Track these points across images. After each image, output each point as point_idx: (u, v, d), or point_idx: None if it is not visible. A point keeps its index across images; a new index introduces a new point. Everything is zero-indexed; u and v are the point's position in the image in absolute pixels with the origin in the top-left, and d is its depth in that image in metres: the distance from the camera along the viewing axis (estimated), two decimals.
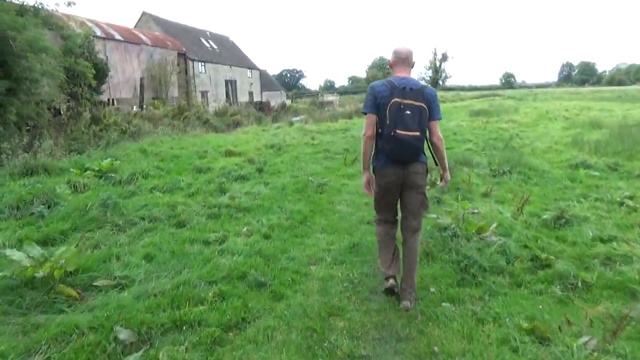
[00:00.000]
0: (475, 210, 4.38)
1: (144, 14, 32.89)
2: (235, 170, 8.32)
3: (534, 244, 4.24)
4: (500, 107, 27.09)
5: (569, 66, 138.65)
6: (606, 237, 4.45)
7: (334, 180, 7.74)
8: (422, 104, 3.03)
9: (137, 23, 32.76)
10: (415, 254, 3.26)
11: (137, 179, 7.19)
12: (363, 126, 3.22)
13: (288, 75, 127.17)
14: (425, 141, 3.19)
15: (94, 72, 18.76)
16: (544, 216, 5.21)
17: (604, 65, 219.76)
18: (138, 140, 12.39)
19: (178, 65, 31.23)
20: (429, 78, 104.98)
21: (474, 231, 4.24)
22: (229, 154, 10.28)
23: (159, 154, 9.66)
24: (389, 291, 3.27)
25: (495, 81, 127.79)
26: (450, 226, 4.36)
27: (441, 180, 3.51)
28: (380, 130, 3.11)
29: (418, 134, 3.01)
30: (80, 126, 17.91)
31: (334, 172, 8.60)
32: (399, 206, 3.37)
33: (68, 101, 18.88)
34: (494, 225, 4.47)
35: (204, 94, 34.52)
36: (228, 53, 41.81)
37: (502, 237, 4.34)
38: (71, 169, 7.45)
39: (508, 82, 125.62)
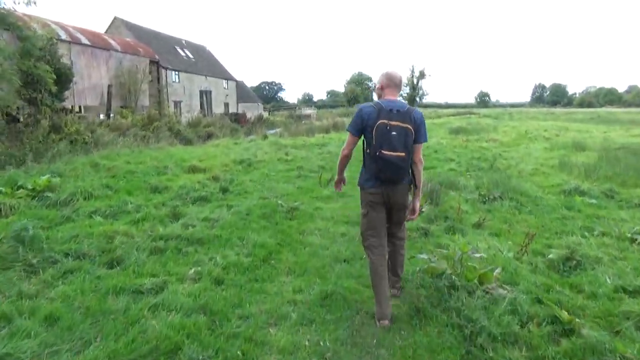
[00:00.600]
0: (477, 254, 3.56)
1: (115, 19, 31.64)
2: (196, 189, 7.36)
3: (548, 297, 3.44)
4: (478, 125, 26.85)
5: (541, 87, 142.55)
6: (630, 287, 3.69)
7: (306, 203, 6.87)
8: (409, 126, 3.10)
9: (108, 28, 31.48)
10: (403, 249, 3.59)
11: (77, 200, 6.16)
12: (345, 142, 3.35)
13: (266, 87, 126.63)
14: None
15: (55, 76, 17.52)
16: (550, 255, 4.44)
17: (574, 87, 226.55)
18: (94, 152, 11.27)
19: (150, 73, 30.02)
20: (406, 95, 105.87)
21: (475, 280, 3.41)
22: (193, 170, 9.30)
23: (112, 169, 8.60)
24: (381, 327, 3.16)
25: (471, 99, 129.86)
26: (446, 273, 3.52)
27: (412, 210, 3.48)
28: (367, 151, 3.22)
29: (403, 154, 3.08)
30: (38, 135, 16.63)
31: (307, 194, 7.73)
32: None
33: (22, 108, 17.56)
34: (498, 270, 3.66)
35: (177, 103, 33.33)
36: (204, 63, 40.76)
37: (508, 286, 3.54)
38: (0, 188, 6.35)
39: (483, 101, 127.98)
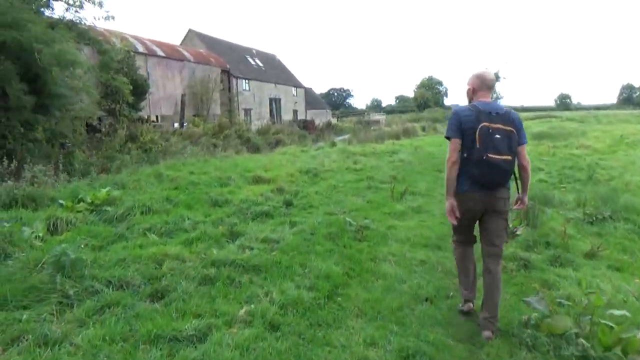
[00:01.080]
0: (617, 312, 2.60)
1: (189, 31, 32.75)
2: (258, 203, 6.85)
3: None
4: (563, 130, 24.59)
5: (629, 88, 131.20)
6: None
7: (377, 221, 6.11)
8: (511, 128, 3.02)
9: (183, 40, 32.65)
10: (498, 280, 3.16)
11: (134, 214, 5.84)
12: (448, 150, 3.14)
13: (335, 94, 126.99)
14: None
15: (131, 87, 18.11)
16: None
17: None
18: (162, 161, 11.24)
19: (221, 82, 30.67)
20: None
21: (617, 350, 2.48)
22: (257, 180, 8.85)
23: (175, 180, 8.34)
24: (467, 313, 3.38)
25: (549, 102, 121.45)
26: (571, 335, 2.62)
27: (517, 202, 3.34)
28: (465, 155, 3.06)
29: (509, 157, 2.99)
30: (115, 144, 17.22)
31: (378, 208, 6.96)
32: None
33: (102, 118, 18.30)
34: None
35: (247, 111, 33.82)
36: (273, 71, 41.22)
37: None
38: (60, 200, 6.20)
39: (564, 103, 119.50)
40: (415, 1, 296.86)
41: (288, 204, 7.03)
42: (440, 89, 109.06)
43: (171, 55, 25.16)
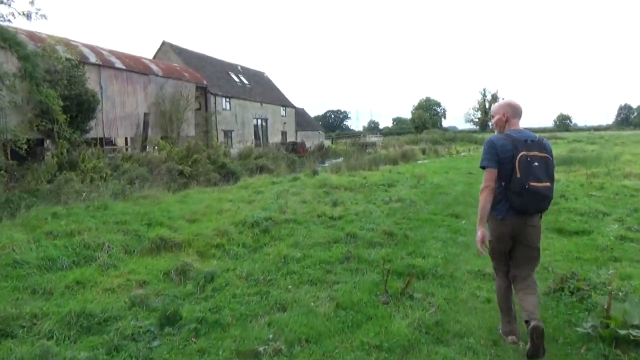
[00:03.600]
0: None
1: (164, 43, 29.50)
2: (104, 321, 3.23)
3: None
4: (588, 154, 21.07)
5: (627, 108, 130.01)
6: None
7: None
8: (547, 155, 3.06)
9: (156, 54, 29.38)
10: (534, 286, 3.13)
11: None
12: (483, 180, 3.10)
13: (332, 116, 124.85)
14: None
15: (61, 103, 14.54)
16: None
17: None
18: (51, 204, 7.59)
19: (196, 99, 27.27)
20: (477, 120, 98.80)
21: None
22: (157, 248, 5.22)
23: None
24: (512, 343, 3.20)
25: (547, 123, 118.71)
26: None
27: None
28: (503, 184, 3.06)
29: (549, 184, 3.01)
30: (40, 173, 13.62)
31: (355, 330, 3.35)
32: None
33: (29, 142, 14.66)
34: None
35: (227, 133, 30.35)
36: (260, 89, 37.94)
37: None
38: None
39: (563, 124, 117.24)
40: (415, 23, 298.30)
41: (171, 319, 3.38)
42: (438, 110, 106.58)
43: (133, 67, 21.74)
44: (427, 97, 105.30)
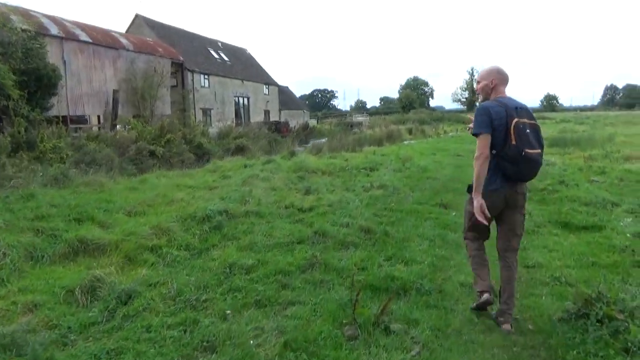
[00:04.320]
0: None
1: (136, 17, 27.76)
2: None
3: None
4: (581, 135, 20.21)
5: (612, 89, 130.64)
6: None
7: None
8: (535, 122, 3.05)
9: (128, 28, 27.65)
10: (514, 272, 3.15)
11: None
12: (477, 147, 2.96)
13: (319, 95, 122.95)
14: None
15: (14, 77, 13.17)
16: None
17: None
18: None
19: (172, 76, 25.78)
20: (465, 99, 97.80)
21: None
22: (74, 252, 4.15)
23: None
24: (483, 305, 3.18)
25: (534, 103, 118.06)
26: None
27: None
28: (495, 152, 2.96)
29: (540, 151, 2.99)
30: None
31: None
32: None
33: None
34: None
35: (206, 111, 28.95)
36: (241, 66, 36.36)
37: None
38: None
39: (550, 104, 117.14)
40: (405, 2, 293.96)
41: None
42: (426, 89, 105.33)
43: (100, 41, 20.19)
44: (414, 77, 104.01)
